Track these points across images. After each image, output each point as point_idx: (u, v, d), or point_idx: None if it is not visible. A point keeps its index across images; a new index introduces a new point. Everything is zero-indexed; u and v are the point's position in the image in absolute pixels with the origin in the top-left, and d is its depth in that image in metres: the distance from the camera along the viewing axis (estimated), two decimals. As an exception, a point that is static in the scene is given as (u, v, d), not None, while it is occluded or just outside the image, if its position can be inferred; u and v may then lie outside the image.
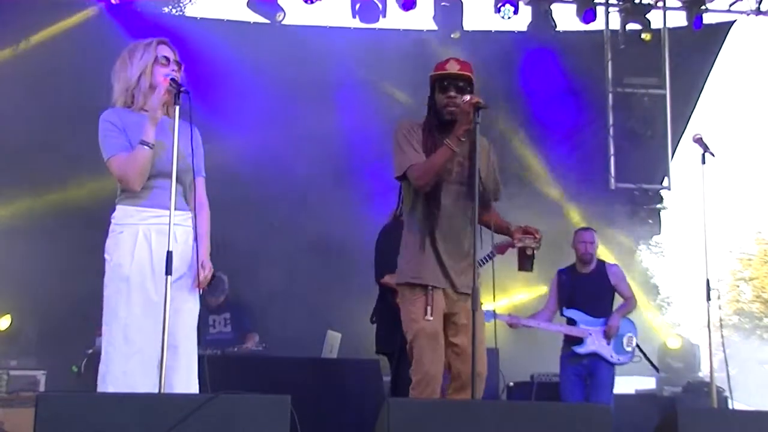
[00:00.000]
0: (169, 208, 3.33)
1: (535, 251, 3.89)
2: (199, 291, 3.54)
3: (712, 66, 9.10)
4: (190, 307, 3.53)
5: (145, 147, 3.38)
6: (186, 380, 3.45)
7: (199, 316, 6.69)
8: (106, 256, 3.45)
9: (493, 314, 5.32)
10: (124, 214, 3.48)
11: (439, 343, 3.83)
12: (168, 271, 3.26)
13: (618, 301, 6.20)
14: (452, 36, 8.44)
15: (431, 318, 3.80)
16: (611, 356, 5.98)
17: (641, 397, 7.05)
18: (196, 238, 3.50)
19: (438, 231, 3.85)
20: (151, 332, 3.36)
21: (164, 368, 3.21)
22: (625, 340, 6.05)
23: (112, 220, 3.50)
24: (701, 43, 9.01)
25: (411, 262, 3.90)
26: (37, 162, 7.50)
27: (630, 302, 6.17)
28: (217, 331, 6.71)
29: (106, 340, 3.39)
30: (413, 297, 3.86)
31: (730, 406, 5.63)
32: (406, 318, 3.91)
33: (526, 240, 3.88)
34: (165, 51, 3.58)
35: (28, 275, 7.14)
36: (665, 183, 8.94)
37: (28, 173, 7.66)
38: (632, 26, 8.81)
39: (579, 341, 6.00)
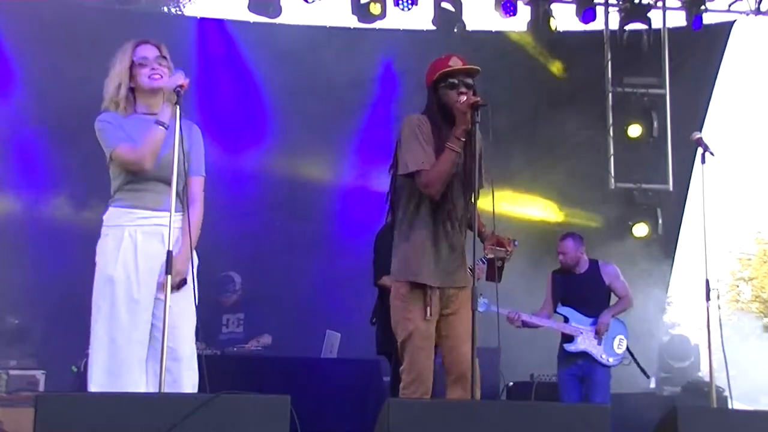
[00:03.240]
0: (158, 210, 3.39)
1: (504, 263, 3.84)
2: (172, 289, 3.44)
3: (718, 67, 9.06)
4: (184, 308, 3.52)
5: (160, 127, 3.43)
6: (184, 381, 3.47)
7: (213, 315, 6.74)
8: (96, 258, 3.51)
9: (488, 305, 5.22)
10: (111, 215, 3.54)
11: (432, 343, 3.82)
12: (168, 270, 3.28)
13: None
14: (455, 30, 8.42)
15: (431, 318, 3.79)
16: (601, 357, 5.98)
17: (641, 396, 7.04)
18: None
19: (441, 228, 3.83)
20: (134, 331, 3.40)
21: (164, 368, 3.23)
22: (615, 342, 6.05)
23: (103, 222, 3.55)
24: (703, 43, 8.99)
25: (412, 261, 3.84)
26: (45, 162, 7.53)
27: (624, 301, 6.16)
28: (229, 331, 6.71)
29: (91, 340, 3.45)
30: (411, 296, 3.82)
31: (730, 406, 5.63)
32: (400, 316, 3.86)
33: (496, 251, 3.83)
34: (144, 51, 3.60)
35: (29, 275, 7.14)
36: (665, 183, 8.92)
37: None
38: (632, 26, 8.80)
39: (570, 339, 6.02)
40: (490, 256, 3.84)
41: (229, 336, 6.64)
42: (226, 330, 6.70)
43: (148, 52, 3.60)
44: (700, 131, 8.68)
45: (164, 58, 3.62)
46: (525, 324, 5.97)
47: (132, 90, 3.60)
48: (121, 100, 3.56)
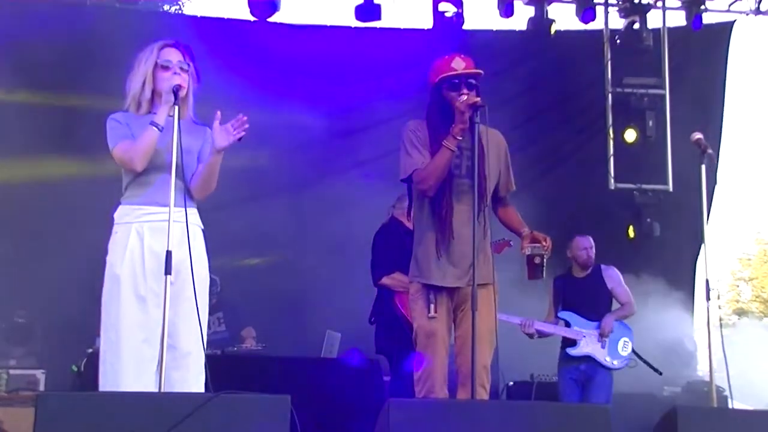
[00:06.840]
0: (166, 205, 3.34)
1: (544, 259, 3.88)
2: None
3: (725, 69, 9.02)
4: (189, 306, 3.49)
5: (154, 128, 3.42)
6: (186, 379, 3.46)
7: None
8: (107, 256, 3.50)
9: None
10: (121, 213, 3.54)
11: (438, 341, 3.86)
12: (168, 270, 3.27)
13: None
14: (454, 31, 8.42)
15: (435, 315, 3.83)
16: (605, 360, 5.94)
17: (641, 397, 7.04)
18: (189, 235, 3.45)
19: (447, 228, 3.86)
20: (141, 330, 3.38)
21: (164, 367, 3.22)
22: (620, 344, 6.01)
23: (114, 220, 3.55)
24: (703, 43, 8.98)
25: (420, 261, 3.95)
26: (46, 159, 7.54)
27: (627, 307, 6.12)
28: (212, 332, 6.72)
29: (101, 338, 3.46)
30: (419, 295, 3.93)
31: (730, 406, 5.62)
32: (411, 315, 4.04)
33: (534, 249, 3.87)
34: (168, 54, 3.59)
35: (30, 274, 7.14)
36: (665, 183, 8.92)
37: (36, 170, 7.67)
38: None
39: (572, 343, 5.99)
40: (528, 253, 3.89)
41: (213, 337, 6.65)
42: (209, 331, 6.72)
43: (173, 55, 3.59)
44: (719, 137, 8.66)
45: (188, 63, 3.61)
46: (539, 332, 5.92)
47: (152, 91, 3.59)
48: (144, 102, 3.57)
